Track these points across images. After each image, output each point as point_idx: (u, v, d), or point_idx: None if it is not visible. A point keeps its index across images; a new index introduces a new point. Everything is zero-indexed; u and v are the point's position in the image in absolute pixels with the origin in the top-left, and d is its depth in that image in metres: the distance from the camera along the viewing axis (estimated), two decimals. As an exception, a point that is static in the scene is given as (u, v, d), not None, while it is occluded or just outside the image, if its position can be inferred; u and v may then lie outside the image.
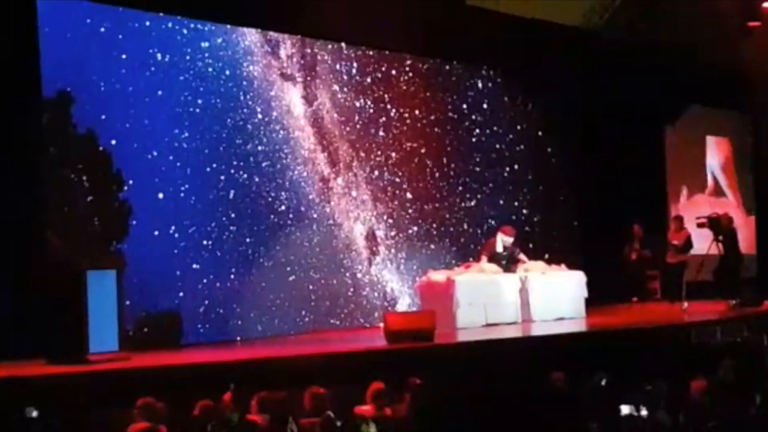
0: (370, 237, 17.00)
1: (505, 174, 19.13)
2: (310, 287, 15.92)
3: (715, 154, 23.97)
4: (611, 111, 20.07)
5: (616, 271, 19.29)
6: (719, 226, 18.32)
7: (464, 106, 18.58)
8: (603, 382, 10.16)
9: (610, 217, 19.86)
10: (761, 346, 15.85)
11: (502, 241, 16.37)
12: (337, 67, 16.71)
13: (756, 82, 22.65)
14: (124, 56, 13.78)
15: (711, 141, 23.87)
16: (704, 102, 22.81)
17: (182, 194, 14.27)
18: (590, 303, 17.01)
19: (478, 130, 18.74)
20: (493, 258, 16.21)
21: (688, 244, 18.62)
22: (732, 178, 24.21)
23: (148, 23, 14.14)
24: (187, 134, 14.38)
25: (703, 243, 18.43)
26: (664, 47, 20.21)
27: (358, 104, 16.92)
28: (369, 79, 17.11)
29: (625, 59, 19.59)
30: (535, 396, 9.62)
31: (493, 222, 18.39)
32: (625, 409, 8.74)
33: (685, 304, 17.70)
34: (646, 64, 19.88)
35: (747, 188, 24.48)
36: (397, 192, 17.36)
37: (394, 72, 17.47)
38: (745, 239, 22.12)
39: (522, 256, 16.56)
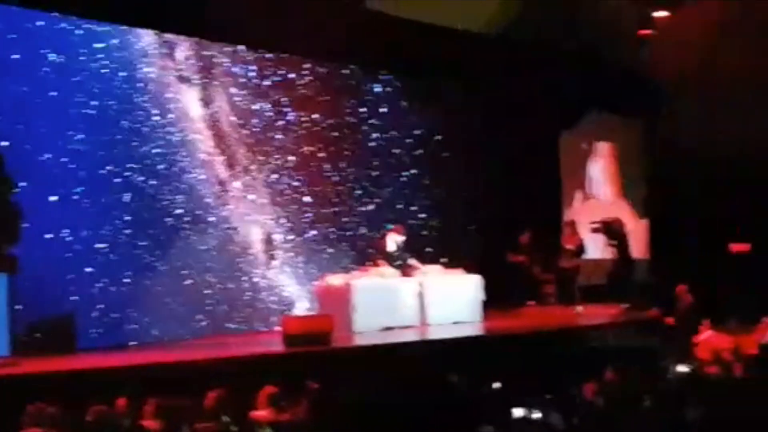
0: (268, 241, 16.94)
1: (403, 178, 19.20)
2: (207, 291, 15.80)
3: (601, 160, 24.25)
4: (509, 116, 20.24)
5: (513, 275, 19.49)
6: (612, 230, 18.62)
7: (362, 110, 18.61)
8: (497, 385, 10.24)
9: (507, 221, 20.04)
10: (652, 350, 16.14)
11: (395, 240, 16.47)
12: (235, 69, 16.63)
13: (650, 88, 23.07)
14: (16, 57, 13.55)
15: (601, 146, 24.17)
16: (601, 108, 23.12)
17: (76, 197, 14.07)
18: (487, 306, 17.16)
19: (376, 134, 18.78)
20: (387, 257, 16.28)
21: (581, 248, 18.87)
22: (619, 184, 24.49)
23: (41, 23, 13.91)
24: (81, 136, 14.19)
25: (596, 247, 18.72)
26: (563, 53, 20.46)
27: (256, 107, 16.85)
28: (267, 82, 17.05)
29: (524, 65, 19.78)
30: (431, 399, 9.67)
31: (391, 226, 18.45)
32: (518, 412, 8.82)
33: (579, 308, 17.95)
34: (545, 70, 20.10)
35: (638, 194, 24.86)
36: (295, 196, 17.31)
37: (292, 75, 17.43)
38: (637, 244, 22.49)
39: (414, 262, 16.64)
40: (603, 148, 24.10)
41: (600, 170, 24.02)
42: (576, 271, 18.63)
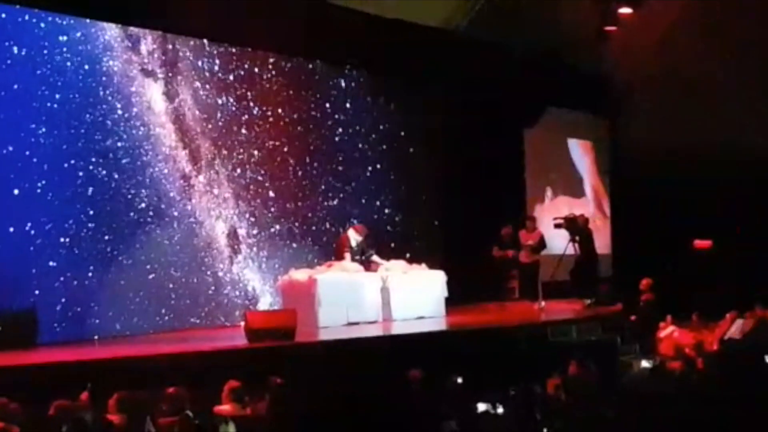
0: (232, 235, 16.90)
1: (368, 173, 19.20)
2: (171, 285, 15.76)
3: (583, 157, 24.38)
4: (473, 112, 20.26)
5: (477, 271, 19.55)
6: (575, 226, 18.69)
7: (327, 105, 18.59)
8: (460, 380, 10.28)
9: (470, 217, 20.10)
10: (614, 345, 16.23)
11: (354, 238, 16.43)
12: (199, 63, 16.57)
13: (613, 86, 23.18)
14: (-22, 49, 13.47)
15: (574, 143, 24.27)
16: (563, 104, 23.22)
17: (39, 190, 13.98)
18: (450, 302, 17.20)
19: (340, 130, 18.78)
20: (349, 252, 16.24)
21: (541, 243, 18.91)
22: (596, 180, 24.66)
23: (3, 15, 13.81)
24: (44, 129, 14.10)
25: (560, 243, 18.79)
26: (524, 49, 20.53)
27: (220, 101, 16.80)
28: (231, 77, 17.00)
29: (486, 61, 19.84)
30: (395, 394, 9.69)
31: (355, 221, 18.44)
32: (482, 407, 8.85)
33: (543, 304, 17.99)
34: (507, 66, 20.16)
35: (604, 190, 25.02)
36: (260, 190, 17.28)
37: (256, 70, 17.40)
38: (601, 240, 22.60)
39: (376, 258, 16.62)
40: (573, 144, 24.20)
41: (576, 167, 24.13)
42: (536, 267, 18.66)
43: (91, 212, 14.66)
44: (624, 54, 21.49)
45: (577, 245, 18.54)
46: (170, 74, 16.12)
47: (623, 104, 23.94)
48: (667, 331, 17.72)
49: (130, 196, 15.29)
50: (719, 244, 22.09)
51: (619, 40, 21.17)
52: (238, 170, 16.98)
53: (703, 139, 22.00)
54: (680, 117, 22.33)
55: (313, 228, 18.06)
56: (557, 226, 18.84)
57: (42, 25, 14.29)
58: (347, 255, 16.26)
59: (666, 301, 18.19)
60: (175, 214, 15.97)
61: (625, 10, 20.79)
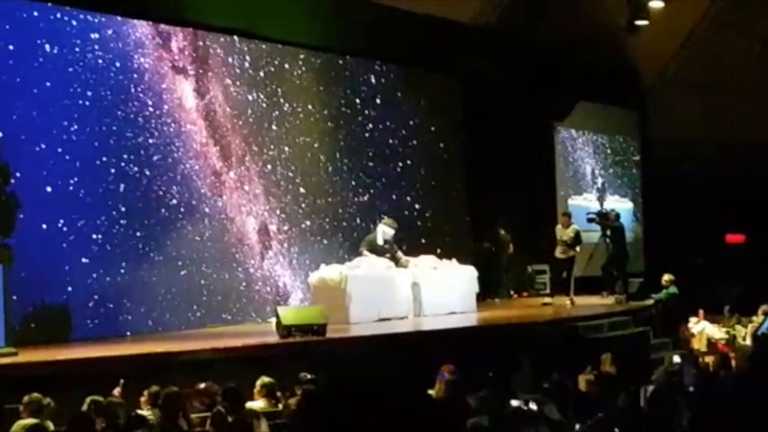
0: (263, 231, 16.92)
1: (398, 169, 19.18)
2: (202, 282, 15.79)
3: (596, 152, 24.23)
4: (503, 107, 20.21)
5: (507, 266, 19.53)
6: (607, 221, 18.65)
7: (357, 100, 18.58)
8: (492, 376, 10.26)
9: (501, 212, 20.06)
10: (646, 340, 16.19)
11: (383, 233, 16.31)
12: (230, 60, 16.59)
13: (644, 79, 23.10)
14: (11, 47, 13.53)
15: (595, 138, 24.14)
16: (594, 98, 23.09)
17: (71, 187, 14.05)
18: (481, 297, 17.17)
19: (371, 125, 18.76)
20: (374, 250, 16.15)
21: (576, 239, 18.85)
22: (616, 175, 24.54)
23: (36, 13, 13.89)
24: (76, 127, 14.16)
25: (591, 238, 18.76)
26: (554, 44, 20.47)
27: (250, 98, 16.82)
28: (262, 73, 17.02)
29: (516, 55, 19.80)
30: (426, 390, 9.67)
31: (385, 217, 18.42)
32: (514, 403, 8.83)
33: (574, 299, 17.94)
34: (537, 60, 20.11)
35: (634, 184, 24.90)
36: (290, 186, 17.30)
37: (287, 66, 17.41)
38: (632, 235, 22.52)
39: (400, 254, 16.46)
40: (593, 139, 24.07)
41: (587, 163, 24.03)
42: (571, 262, 18.57)
43: (123, 209, 14.72)
44: (653, 47, 21.42)
45: (608, 240, 18.49)
46: (201, 71, 16.16)
47: (653, 98, 23.86)
48: (699, 326, 17.66)
49: (161, 193, 15.34)
50: (752, 239, 21.99)
51: (649, 33, 21.09)
52: (269, 166, 17.00)
53: (735, 132, 21.89)
54: (713, 110, 22.24)
55: (344, 224, 18.06)
56: (590, 220, 18.83)
57: (74, 23, 14.36)
58: (365, 250, 16.11)
59: (698, 295, 18.14)
60: (206, 210, 16.01)
61: (656, 4, 20.70)
